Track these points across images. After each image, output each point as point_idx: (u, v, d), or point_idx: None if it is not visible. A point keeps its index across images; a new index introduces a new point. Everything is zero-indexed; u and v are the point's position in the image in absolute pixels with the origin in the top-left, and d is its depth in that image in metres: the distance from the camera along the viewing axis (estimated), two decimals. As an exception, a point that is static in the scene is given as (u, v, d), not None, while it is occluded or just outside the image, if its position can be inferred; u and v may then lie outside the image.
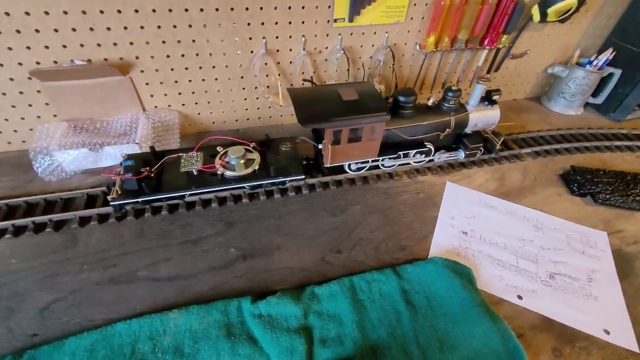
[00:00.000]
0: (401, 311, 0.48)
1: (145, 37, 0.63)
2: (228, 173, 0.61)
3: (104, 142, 0.66)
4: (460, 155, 0.74)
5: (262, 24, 0.67)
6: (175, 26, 0.63)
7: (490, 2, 0.74)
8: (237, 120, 0.81)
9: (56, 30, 0.58)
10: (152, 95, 0.71)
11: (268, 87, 0.77)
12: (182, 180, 0.60)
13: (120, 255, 0.54)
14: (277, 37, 0.70)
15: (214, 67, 0.71)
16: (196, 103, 0.75)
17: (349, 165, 0.68)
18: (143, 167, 0.59)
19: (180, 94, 0.73)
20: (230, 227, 0.60)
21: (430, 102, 0.68)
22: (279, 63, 0.74)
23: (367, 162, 0.68)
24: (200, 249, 0.56)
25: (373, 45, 0.77)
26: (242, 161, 0.62)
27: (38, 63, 0.61)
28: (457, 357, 0.44)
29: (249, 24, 0.66)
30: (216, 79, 0.73)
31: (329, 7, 0.68)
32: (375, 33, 0.75)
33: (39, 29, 0.57)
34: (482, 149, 0.74)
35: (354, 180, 0.70)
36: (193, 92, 0.73)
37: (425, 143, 0.69)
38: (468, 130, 0.71)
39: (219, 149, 0.63)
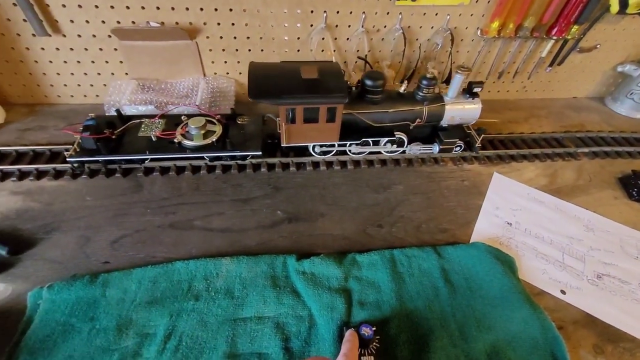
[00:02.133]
0: (439, 287, 0.49)
1: (215, 4, 0.66)
2: (186, 142, 0.61)
3: (168, 101, 0.71)
4: (435, 149, 0.70)
5: (326, -3, 0.68)
6: (243, -6, 0.65)
7: (565, -11, 0.70)
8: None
9: (138, -8, 0.62)
10: (213, 62, 0.75)
11: (322, 62, 0.78)
12: (140, 145, 0.61)
13: (179, 204, 0.59)
14: (337, 12, 0.70)
15: (273, 38, 0.73)
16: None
17: (313, 147, 0.66)
18: (107, 129, 0.60)
19: (239, 62, 0.76)
20: (277, 192, 0.63)
21: (402, 89, 0.64)
22: (335, 39, 0.75)
23: (333, 146, 0.65)
24: (249, 207, 0.60)
25: (432, 27, 0.75)
26: (201, 132, 0.62)
27: (118, 22, 0.66)
28: (493, 337, 0.44)
29: (312, -3, 0.67)
30: (274, 50, 0.75)
31: (394, -16, 0.67)
32: (436, 14, 0.73)
33: (123, -11, 0.62)
34: (463, 145, 0.69)
35: (399, 161, 0.70)
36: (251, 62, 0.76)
37: (396, 133, 0.65)
38: (444, 123, 0.67)
39: (183, 118, 0.64)
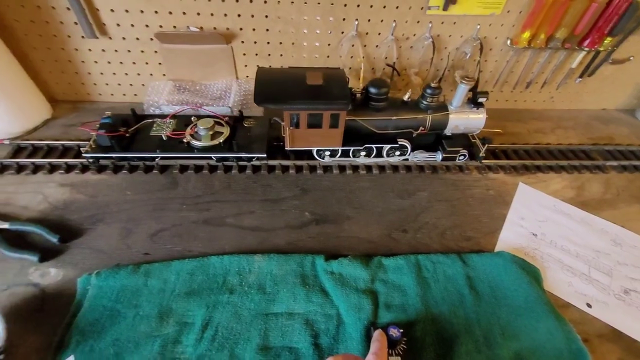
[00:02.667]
0: (464, 294, 0.50)
1: (252, 10, 0.68)
2: (194, 142, 0.63)
3: (203, 102, 0.74)
4: (438, 157, 0.70)
5: (358, 5, 0.69)
6: (279, 2, 0.68)
7: (600, 1, 0.69)
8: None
9: (181, -1, 0.66)
10: (245, 65, 0.78)
11: (350, 68, 0.80)
12: (152, 144, 0.64)
13: (212, 202, 0.62)
14: (368, 20, 0.72)
15: (305, 44, 0.75)
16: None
17: (318, 152, 0.67)
18: (122, 127, 0.63)
19: (270, 66, 0.78)
20: (305, 194, 0.65)
21: (405, 97, 0.65)
22: (365, 46, 0.76)
23: (337, 151, 0.67)
24: (278, 208, 0.62)
25: (462, 37, 0.76)
26: (210, 133, 0.64)
27: (160, 26, 0.69)
28: (517, 346, 0.45)
29: (345, 5, 0.69)
30: (304, 56, 0.77)
31: (426, -7, 0.69)
32: (466, 24, 0.74)
33: (168, -4, 0.65)
34: (467, 154, 0.70)
35: (423, 168, 0.72)
36: (281, 67, 0.79)
37: (399, 140, 0.66)
38: (448, 132, 0.68)
39: (193, 119, 0.66)
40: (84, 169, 0.64)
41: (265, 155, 0.65)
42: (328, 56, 0.78)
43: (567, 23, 0.72)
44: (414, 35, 0.75)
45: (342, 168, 0.70)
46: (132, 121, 0.67)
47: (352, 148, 0.66)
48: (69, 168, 0.64)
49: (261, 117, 0.72)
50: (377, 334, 0.42)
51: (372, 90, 0.62)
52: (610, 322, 0.50)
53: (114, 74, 0.76)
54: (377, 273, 0.52)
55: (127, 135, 0.64)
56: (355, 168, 0.70)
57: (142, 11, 0.67)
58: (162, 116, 0.69)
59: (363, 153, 0.68)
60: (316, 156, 0.68)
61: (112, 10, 0.66)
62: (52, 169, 0.64)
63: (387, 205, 0.64)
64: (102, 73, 0.76)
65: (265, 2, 0.67)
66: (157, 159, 0.65)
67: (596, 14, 0.72)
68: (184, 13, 0.68)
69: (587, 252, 0.59)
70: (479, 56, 0.78)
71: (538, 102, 0.92)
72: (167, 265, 0.51)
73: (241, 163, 0.68)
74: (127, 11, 0.66)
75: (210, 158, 0.67)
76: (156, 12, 0.67)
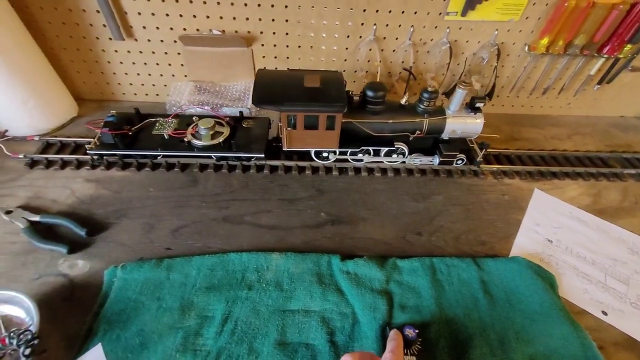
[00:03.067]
0: (479, 298, 0.51)
1: (273, 14, 0.70)
2: (195, 141, 0.65)
3: (222, 103, 0.76)
4: (435, 161, 0.71)
5: (377, 11, 0.71)
6: (299, 6, 0.69)
7: (621, 8, 0.69)
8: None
9: (204, 2, 0.68)
10: (264, 68, 0.79)
11: (367, 72, 0.81)
12: (154, 142, 0.66)
13: (230, 200, 0.64)
14: (387, 25, 0.73)
15: (323, 48, 0.77)
16: (299, 79, 0.82)
17: (316, 153, 0.68)
18: (127, 125, 0.65)
19: (288, 69, 0.80)
20: (321, 194, 0.66)
21: (403, 101, 0.65)
22: (382, 50, 0.77)
23: (335, 152, 0.68)
24: (295, 207, 0.64)
25: (479, 42, 0.77)
26: (210, 132, 0.65)
27: (184, 29, 0.71)
28: (532, 350, 0.46)
29: (364, 10, 0.70)
30: (322, 59, 0.79)
31: (445, -1, 0.69)
32: (484, 30, 0.74)
33: None
34: (465, 159, 0.70)
35: (438, 171, 0.72)
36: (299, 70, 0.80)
37: (396, 143, 0.67)
38: (445, 136, 0.68)
39: (194, 118, 0.67)
40: (109, 165, 0.67)
41: (263, 155, 0.66)
42: (345, 60, 0.79)
43: (587, 30, 0.72)
44: (431, 40, 0.76)
45: (357, 170, 0.71)
46: (136, 120, 0.69)
47: (349, 150, 0.67)
48: (95, 164, 0.66)
49: (261, 117, 0.73)
50: (393, 334, 0.42)
51: (369, 93, 0.62)
52: (626, 330, 0.50)
53: (138, 74, 0.79)
54: (392, 274, 0.53)
55: (131, 133, 0.66)
56: (370, 170, 0.71)
57: (167, 14, 0.69)
58: (165, 115, 0.71)
59: (360, 155, 0.69)
60: (314, 157, 0.69)
61: (139, 14, 0.69)
62: (79, 164, 0.66)
63: (402, 208, 0.65)
64: (126, 73, 0.79)
65: (287, 6, 0.69)
66: (158, 157, 0.67)
67: (617, 21, 0.71)
68: (208, 17, 0.70)
69: (604, 260, 0.59)
70: (496, 62, 0.78)
71: (555, 108, 0.92)
72: (188, 260, 0.52)
73: (244, 163, 0.69)
74: (153, 14, 0.69)
75: (210, 157, 0.68)
76: (181, 15, 0.69)
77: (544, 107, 0.92)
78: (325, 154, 0.69)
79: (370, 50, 0.77)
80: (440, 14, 0.71)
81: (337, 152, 0.68)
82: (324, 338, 0.45)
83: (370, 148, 0.68)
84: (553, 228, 0.63)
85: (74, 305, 0.47)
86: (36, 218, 0.56)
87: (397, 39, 0.76)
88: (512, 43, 0.77)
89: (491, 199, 0.68)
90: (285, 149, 0.65)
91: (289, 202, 0.64)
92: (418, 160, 0.71)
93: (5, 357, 0.41)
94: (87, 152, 0.65)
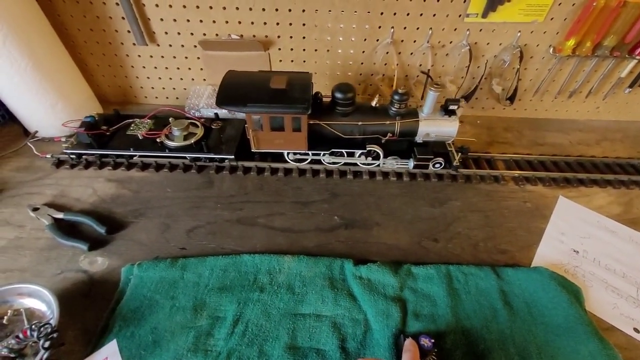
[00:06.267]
0: (498, 309, 0.49)
1: (290, 19, 0.71)
2: (168, 142, 0.66)
3: (239, 106, 0.77)
4: (410, 164, 0.68)
5: (394, 14, 0.70)
6: (316, 10, 0.70)
7: (655, 7, 0.65)
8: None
9: (224, 8, 0.69)
10: (281, 71, 0.80)
11: (383, 75, 0.80)
12: (128, 142, 0.67)
13: (244, 202, 0.64)
14: (404, 28, 0.72)
15: (339, 51, 0.76)
16: (315, 83, 0.82)
17: (288, 154, 0.67)
18: (105, 126, 0.67)
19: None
20: (335, 198, 0.66)
21: (373, 103, 0.64)
22: (399, 53, 0.76)
23: (307, 154, 0.67)
24: (308, 210, 0.63)
25: (500, 44, 0.74)
26: (183, 133, 0.66)
27: (204, 34, 0.73)
28: (555, 367, 0.43)
29: (381, 13, 0.70)
30: (338, 62, 0.79)
31: (465, 1, 0.68)
32: (506, 31, 0.72)
33: (212, 5, 0.69)
34: (443, 162, 0.68)
35: (456, 177, 0.70)
36: (315, 73, 0.80)
37: (368, 145, 0.65)
38: (419, 139, 0.65)
39: (170, 119, 0.68)
40: (129, 166, 0.69)
41: (233, 156, 0.67)
42: (362, 63, 0.79)
43: (617, 30, 0.69)
44: (450, 42, 0.75)
45: (372, 174, 0.70)
46: (115, 121, 0.71)
47: (321, 152, 0.67)
48: (116, 165, 0.69)
49: (236, 119, 0.74)
50: (408, 344, 0.41)
51: (338, 95, 0.61)
52: (661, 351, 0.46)
53: (160, 78, 0.82)
54: (407, 281, 0.51)
55: (108, 133, 0.68)
56: (385, 174, 0.70)
57: (188, 20, 0.71)
58: (141, 116, 0.72)
59: (328, 158, 0.68)
60: (287, 158, 0.69)
61: (161, 20, 0.71)
62: (102, 165, 0.69)
63: (417, 213, 0.63)
64: (148, 77, 0.82)
65: (304, 10, 0.70)
66: (134, 157, 0.68)
67: (650, 21, 0.68)
68: (227, 22, 0.71)
69: (636, 273, 0.55)
70: (518, 64, 0.75)
71: (581, 113, 0.88)
72: (202, 260, 0.53)
73: (217, 164, 0.69)
74: (175, 20, 0.71)
75: (185, 158, 0.69)
76: (201, 21, 0.71)
77: (569, 112, 0.88)
78: (298, 156, 0.68)
79: (387, 53, 0.76)
80: (460, 15, 0.70)
81: (311, 154, 0.67)
82: (335, 344, 0.45)
83: (343, 150, 0.67)
84: (579, 238, 0.60)
85: (92, 301, 0.49)
86: (60, 215, 0.58)
87: (415, 41, 0.74)
88: (535, 45, 0.74)
89: (512, 206, 0.65)
90: (253, 150, 0.65)
91: (302, 205, 0.64)
92: (393, 164, 0.69)
93: (27, 349, 0.42)
94: (64, 150, 0.67)
